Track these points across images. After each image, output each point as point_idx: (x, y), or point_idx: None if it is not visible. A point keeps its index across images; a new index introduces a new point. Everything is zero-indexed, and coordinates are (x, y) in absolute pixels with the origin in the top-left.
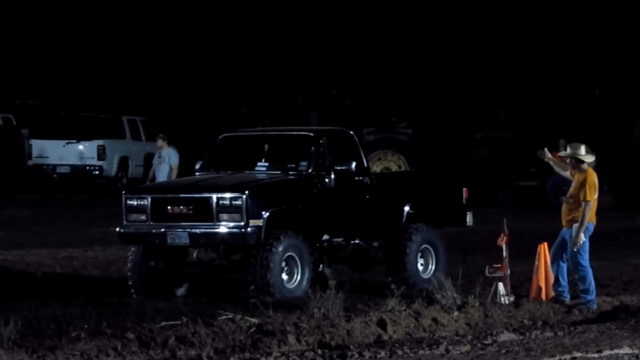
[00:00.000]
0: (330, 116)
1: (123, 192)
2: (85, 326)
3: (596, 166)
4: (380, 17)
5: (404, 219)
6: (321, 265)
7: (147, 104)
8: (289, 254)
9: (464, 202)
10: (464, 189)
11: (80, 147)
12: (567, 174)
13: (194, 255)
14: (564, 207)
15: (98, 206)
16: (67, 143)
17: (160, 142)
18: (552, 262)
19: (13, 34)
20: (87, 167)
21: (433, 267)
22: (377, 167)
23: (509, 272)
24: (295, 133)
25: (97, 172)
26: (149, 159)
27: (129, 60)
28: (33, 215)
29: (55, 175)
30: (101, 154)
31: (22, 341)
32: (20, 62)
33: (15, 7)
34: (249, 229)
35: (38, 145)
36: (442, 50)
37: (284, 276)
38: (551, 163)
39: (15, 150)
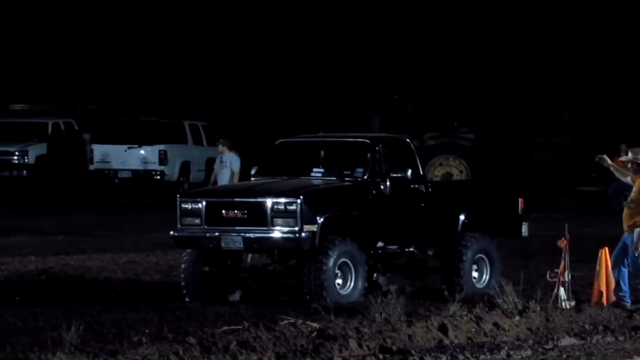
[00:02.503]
0: (392, 121)
1: (178, 195)
2: (147, 331)
3: None
4: (443, 22)
5: (459, 227)
6: (375, 274)
7: (208, 108)
8: (343, 259)
9: (519, 212)
10: (520, 199)
11: (142, 152)
12: (628, 179)
13: (248, 260)
14: (625, 212)
15: (160, 211)
16: (129, 148)
17: (221, 147)
18: (614, 267)
19: (75, 39)
20: (149, 172)
21: (487, 277)
22: (438, 172)
23: (570, 276)
24: (351, 140)
25: (158, 177)
26: (210, 163)
27: (192, 65)
28: (95, 220)
29: (117, 180)
30: (163, 158)
31: (83, 346)
32: (83, 67)
33: (76, 13)
34: (303, 234)
35: (100, 150)
36: (504, 55)
37: (338, 282)
38: (611, 169)
39: (77, 156)
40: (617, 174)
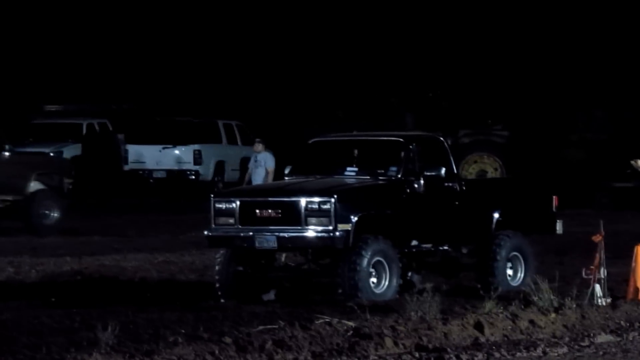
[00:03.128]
0: (426, 118)
1: (212, 195)
2: (182, 331)
3: None
4: (477, 19)
5: (493, 225)
6: (409, 272)
7: (243, 108)
8: (377, 258)
9: (553, 209)
10: (554, 197)
11: (177, 151)
12: None
13: (282, 259)
14: None
15: (194, 211)
16: (164, 148)
17: (257, 146)
18: None
19: (109, 40)
20: (184, 172)
21: (522, 275)
22: (472, 170)
23: (605, 273)
24: (384, 138)
25: (193, 177)
26: (244, 163)
27: (227, 65)
28: (130, 220)
29: (151, 180)
30: (197, 158)
31: (119, 346)
32: (116, 66)
33: (106, 13)
34: (337, 233)
35: (134, 150)
36: (538, 52)
37: (372, 280)
38: None
39: (111, 156)
40: None
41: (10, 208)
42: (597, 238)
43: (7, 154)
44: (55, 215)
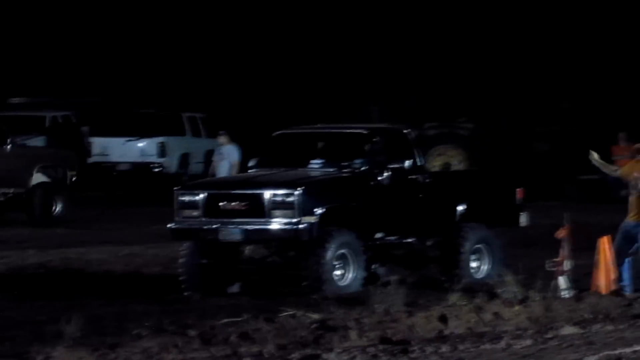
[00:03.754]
0: (391, 112)
1: (175, 188)
2: (147, 323)
3: None
4: (441, 13)
5: (458, 218)
6: (374, 265)
7: (207, 100)
8: (342, 251)
9: (518, 201)
10: (518, 189)
11: (141, 144)
12: (617, 173)
13: (247, 252)
14: (632, 200)
15: (159, 203)
16: (128, 140)
17: (221, 139)
18: (617, 256)
19: (71, 31)
20: (148, 164)
21: (487, 267)
22: (437, 162)
23: (570, 265)
24: (349, 131)
25: (157, 169)
26: (209, 155)
27: (188, 57)
28: (94, 213)
29: (115, 173)
30: (162, 151)
31: (83, 339)
32: (80, 59)
33: (74, 6)
34: (302, 226)
35: (98, 143)
36: (503, 44)
37: (337, 273)
38: (599, 165)
39: (75, 148)
40: (604, 170)
41: (13, 200)
42: (561, 234)
43: (9, 147)
44: (59, 207)
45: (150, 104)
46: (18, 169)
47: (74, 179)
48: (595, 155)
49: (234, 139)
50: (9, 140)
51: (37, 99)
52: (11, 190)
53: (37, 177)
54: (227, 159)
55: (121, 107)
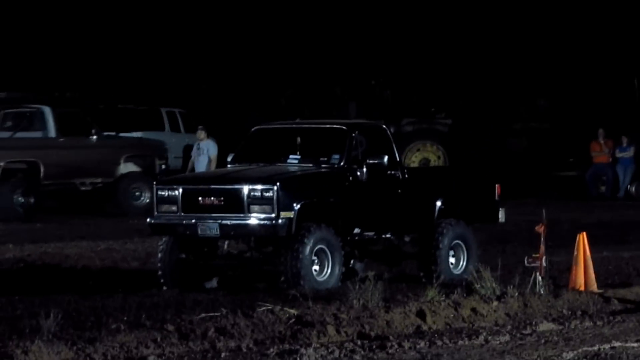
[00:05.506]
0: (370, 107)
1: (154, 182)
2: (125, 318)
3: (636, 155)
4: (418, 6)
5: (436, 214)
6: (352, 260)
7: (185, 95)
8: (320, 246)
9: (496, 198)
10: (496, 185)
11: None
12: None
13: (225, 247)
14: None
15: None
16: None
17: (200, 134)
18: None
19: (50, 27)
20: None
21: (464, 263)
22: (416, 158)
23: (547, 262)
24: (327, 126)
25: None
26: (188, 150)
27: (167, 52)
28: (72, 208)
29: None
30: None
31: (62, 333)
32: (59, 54)
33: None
34: (279, 221)
35: None
36: (480, 40)
37: (315, 268)
38: None
39: None
40: None
41: (101, 190)
42: (540, 228)
43: (94, 137)
44: (146, 197)
45: (129, 99)
46: (105, 159)
47: (163, 167)
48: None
49: (212, 134)
50: (94, 131)
51: (15, 94)
52: (99, 180)
53: (126, 167)
54: (206, 154)
55: (100, 102)
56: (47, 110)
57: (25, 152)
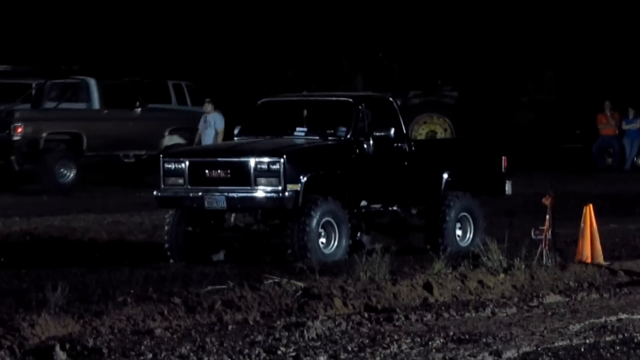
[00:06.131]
0: (376, 80)
1: (161, 155)
2: (132, 291)
3: None
4: None
5: (443, 186)
6: (359, 233)
7: (192, 68)
8: (327, 219)
9: (503, 170)
10: (503, 158)
11: None
12: None
13: (232, 220)
14: None
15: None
16: None
17: (207, 107)
18: None
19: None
20: None
21: (471, 236)
22: (422, 131)
23: (552, 234)
24: (334, 99)
25: None
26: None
27: (174, 25)
28: (79, 181)
29: None
30: None
31: (68, 307)
32: (66, 27)
33: None
34: (286, 194)
35: None
36: (487, 13)
37: (321, 241)
38: None
39: None
40: None
41: (145, 162)
42: (547, 200)
43: (138, 110)
44: None
45: (136, 72)
46: (149, 131)
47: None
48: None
49: (218, 107)
50: (138, 103)
51: (21, 67)
52: (143, 152)
53: (171, 139)
54: (213, 126)
55: (106, 75)
56: (92, 82)
57: (68, 123)
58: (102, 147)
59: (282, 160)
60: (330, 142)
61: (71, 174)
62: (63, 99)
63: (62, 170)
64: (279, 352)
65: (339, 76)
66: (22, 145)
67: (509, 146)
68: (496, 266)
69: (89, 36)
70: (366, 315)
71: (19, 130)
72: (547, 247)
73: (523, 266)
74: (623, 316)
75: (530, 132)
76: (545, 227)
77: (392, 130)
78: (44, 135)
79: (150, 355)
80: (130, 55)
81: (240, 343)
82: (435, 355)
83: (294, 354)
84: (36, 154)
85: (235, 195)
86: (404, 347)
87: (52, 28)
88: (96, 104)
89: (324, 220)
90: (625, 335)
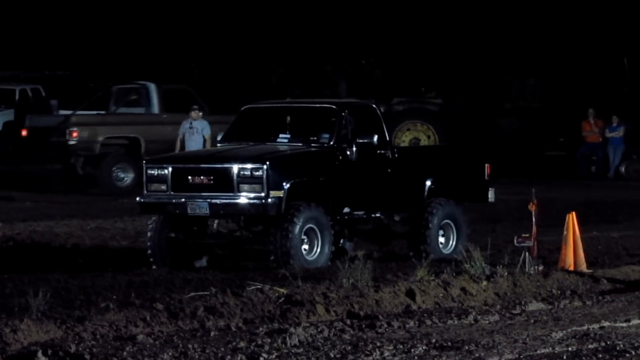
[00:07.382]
0: (360, 86)
1: (144, 161)
2: (114, 297)
3: (626, 135)
4: None
5: (426, 193)
6: (342, 239)
7: (176, 75)
8: (309, 225)
9: (486, 177)
10: (486, 165)
11: None
12: None
13: (215, 226)
14: None
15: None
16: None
17: (193, 114)
18: None
19: (40, 3)
20: None
21: (454, 243)
22: (406, 137)
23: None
24: (317, 105)
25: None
26: None
27: (157, 31)
28: (62, 187)
29: None
30: None
31: (51, 312)
32: (50, 32)
33: None
34: (269, 200)
35: None
36: (470, 20)
37: (304, 247)
38: None
39: None
40: None
41: None
42: (532, 207)
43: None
44: None
45: (120, 78)
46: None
47: None
48: None
49: (213, 113)
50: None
51: (5, 72)
52: None
53: None
54: (200, 133)
55: (90, 80)
56: (152, 87)
57: (126, 128)
58: (160, 151)
59: (265, 166)
60: (313, 149)
61: (129, 178)
62: (123, 104)
63: (119, 174)
64: (261, 359)
65: (323, 82)
66: (80, 149)
67: (493, 153)
68: (479, 273)
69: (75, 40)
70: (348, 322)
71: (75, 134)
72: (535, 254)
73: (506, 273)
74: (606, 324)
75: (514, 140)
76: (533, 233)
77: (376, 137)
78: (100, 139)
79: None
80: (115, 61)
81: (223, 349)
82: None
83: None
84: (94, 158)
85: (218, 201)
86: (386, 354)
87: (36, 33)
88: (155, 109)
89: (306, 226)
90: (608, 343)
